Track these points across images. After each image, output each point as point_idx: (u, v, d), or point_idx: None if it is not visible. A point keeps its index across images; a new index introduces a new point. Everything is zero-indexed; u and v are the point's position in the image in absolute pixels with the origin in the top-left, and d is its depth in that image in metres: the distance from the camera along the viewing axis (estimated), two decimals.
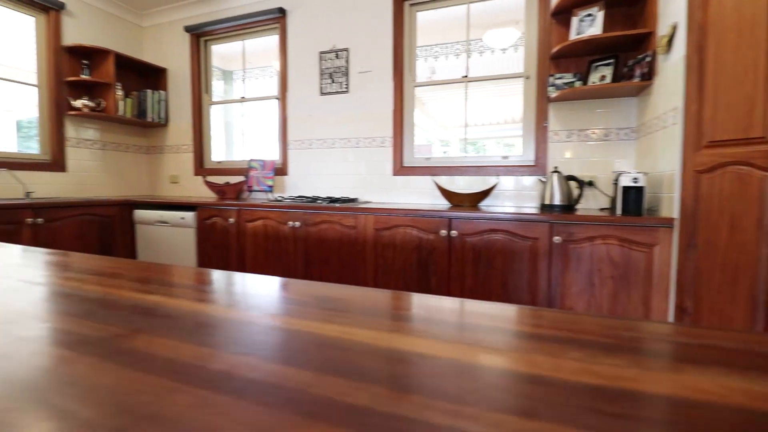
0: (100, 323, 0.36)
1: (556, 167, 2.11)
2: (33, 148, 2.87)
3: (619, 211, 1.79)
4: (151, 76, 3.42)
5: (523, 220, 1.81)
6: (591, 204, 2.23)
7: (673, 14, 1.69)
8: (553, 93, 2.17)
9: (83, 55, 2.96)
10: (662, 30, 1.79)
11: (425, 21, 2.74)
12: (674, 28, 1.66)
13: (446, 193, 2.38)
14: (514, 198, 2.40)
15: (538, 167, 2.34)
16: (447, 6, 2.59)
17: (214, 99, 3.41)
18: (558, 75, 2.22)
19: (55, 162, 2.89)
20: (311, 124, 2.92)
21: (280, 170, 3.02)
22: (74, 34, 2.96)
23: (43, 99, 2.85)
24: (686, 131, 1.58)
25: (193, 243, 2.61)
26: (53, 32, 2.84)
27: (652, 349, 0.32)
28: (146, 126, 3.46)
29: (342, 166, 2.83)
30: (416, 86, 2.68)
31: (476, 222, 1.89)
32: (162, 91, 3.37)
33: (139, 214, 2.76)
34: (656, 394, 0.25)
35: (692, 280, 1.55)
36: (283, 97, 3.00)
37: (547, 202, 2.06)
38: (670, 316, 1.61)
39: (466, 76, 2.57)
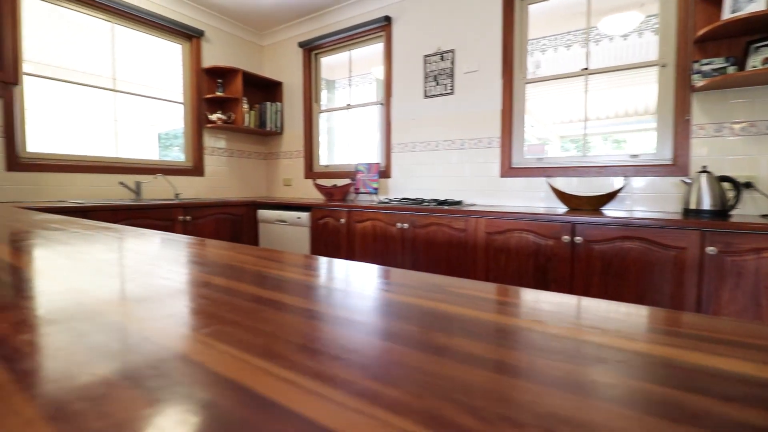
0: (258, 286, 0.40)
1: (704, 166, 1.84)
2: (170, 156, 3.37)
3: None
4: (270, 90, 3.80)
5: (666, 227, 1.61)
6: (749, 209, 1.90)
7: None
8: (700, 81, 1.90)
9: (218, 75, 3.40)
10: None
11: (532, 13, 2.60)
12: None
13: (562, 196, 2.23)
14: (644, 201, 2.16)
15: (676, 166, 2.07)
16: None
17: (322, 107, 3.65)
18: (705, 60, 1.93)
19: (196, 168, 3.36)
20: (414, 127, 2.96)
21: (383, 173, 3.13)
22: (211, 56, 3.41)
23: (188, 114, 3.33)
24: None
25: (307, 241, 2.83)
26: (195, 56, 3.31)
27: None
28: (265, 134, 3.85)
29: (445, 168, 2.83)
30: (527, 83, 2.56)
31: (605, 228, 1.73)
32: (278, 103, 3.72)
33: (262, 213, 3.08)
34: None
35: None
36: (387, 101, 3.10)
37: (693, 206, 1.81)
38: None
39: (586, 69, 2.38)
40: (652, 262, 1.65)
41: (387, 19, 3.02)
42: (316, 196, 3.53)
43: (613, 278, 1.73)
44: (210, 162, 3.46)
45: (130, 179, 2.90)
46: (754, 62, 1.83)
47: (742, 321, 0.35)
